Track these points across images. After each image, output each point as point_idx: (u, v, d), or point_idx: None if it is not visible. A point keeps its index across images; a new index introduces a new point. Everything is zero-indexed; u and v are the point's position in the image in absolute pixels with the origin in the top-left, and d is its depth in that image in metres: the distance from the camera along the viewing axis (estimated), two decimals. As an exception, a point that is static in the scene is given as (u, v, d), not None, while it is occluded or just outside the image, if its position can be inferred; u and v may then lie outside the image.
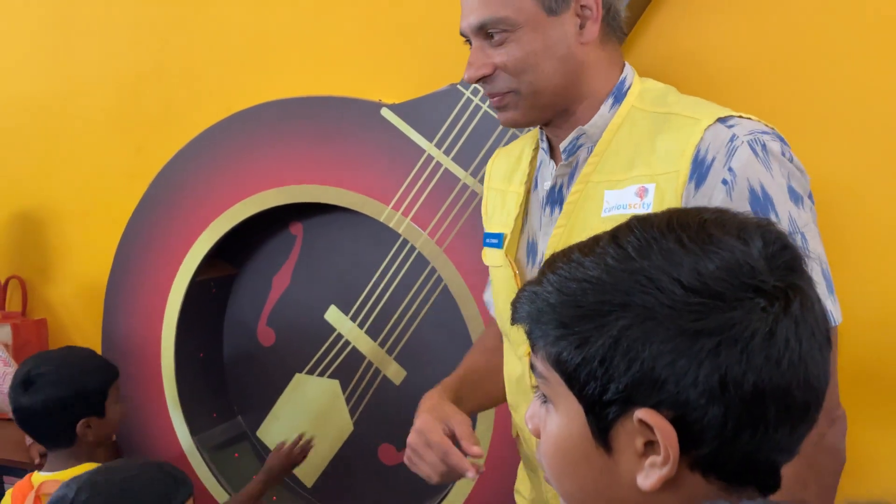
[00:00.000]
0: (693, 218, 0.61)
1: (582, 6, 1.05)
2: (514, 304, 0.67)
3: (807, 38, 1.51)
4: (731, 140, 0.99)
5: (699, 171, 1.00)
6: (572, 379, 0.61)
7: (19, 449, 2.07)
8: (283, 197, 1.82)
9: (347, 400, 1.94)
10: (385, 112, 1.70)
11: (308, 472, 2.00)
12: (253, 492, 1.78)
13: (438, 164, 1.65)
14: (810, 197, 1.02)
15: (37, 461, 1.99)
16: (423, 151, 1.66)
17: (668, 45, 1.60)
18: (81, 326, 2.48)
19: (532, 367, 0.66)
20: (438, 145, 1.65)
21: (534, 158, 1.21)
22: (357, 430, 1.94)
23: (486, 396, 1.30)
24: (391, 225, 1.71)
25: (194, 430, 1.97)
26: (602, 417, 0.60)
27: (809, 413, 0.60)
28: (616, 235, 0.62)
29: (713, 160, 0.99)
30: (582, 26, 1.06)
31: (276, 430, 2.03)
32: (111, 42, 2.32)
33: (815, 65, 1.51)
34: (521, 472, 1.34)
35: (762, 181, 0.97)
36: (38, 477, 1.58)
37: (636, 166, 1.05)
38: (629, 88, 1.10)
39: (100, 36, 2.34)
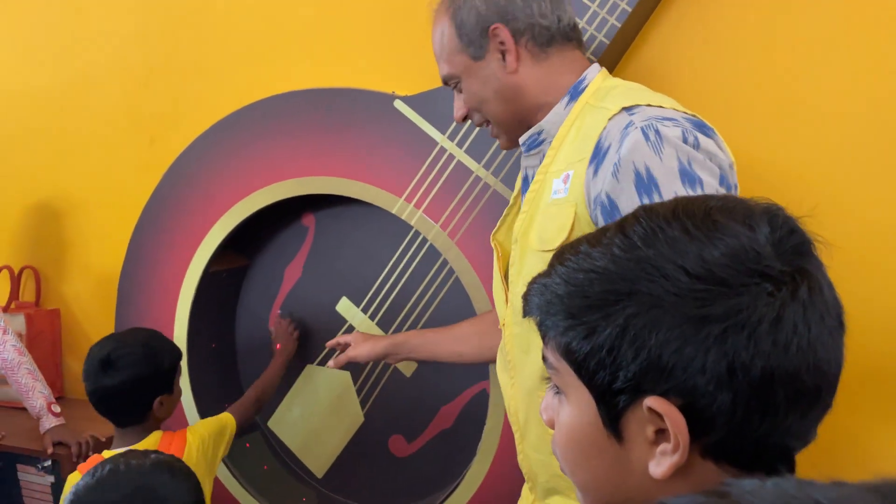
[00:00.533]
0: (699, 206, 0.61)
1: (499, 42, 1.19)
2: (525, 297, 0.67)
3: (782, 56, 1.57)
4: (627, 127, 1.04)
5: (597, 157, 1.07)
6: (582, 369, 0.62)
7: (32, 437, 2.09)
8: (296, 188, 1.83)
9: (358, 391, 1.95)
10: (398, 104, 1.70)
11: (319, 463, 2.01)
12: (277, 373, 1.92)
13: (451, 157, 1.65)
14: (723, 182, 1.03)
15: (50, 450, 2.01)
16: (436, 143, 1.66)
17: (660, 66, 1.65)
18: (94, 317, 2.50)
19: (544, 358, 0.67)
20: (451, 137, 1.65)
21: None
22: (368, 422, 1.95)
23: (450, 354, 1.61)
24: (403, 217, 1.71)
25: (206, 421, 1.98)
26: (612, 406, 0.60)
27: (821, 398, 0.59)
28: (623, 225, 0.62)
29: (609, 146, 1.06)
30: (504, 59, 1.20)
31: (288, 421, 2.04)
32: (123, 34, 2.33)
33: (788, 82, 1.57)
34: None
35: (648, 164, 1.01)
36: (111, 453, 1.61)
37: (572, 157, 1.14)
38: (586, 87, 1.19)
39: (111, 28, 2.35)
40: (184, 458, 1.62)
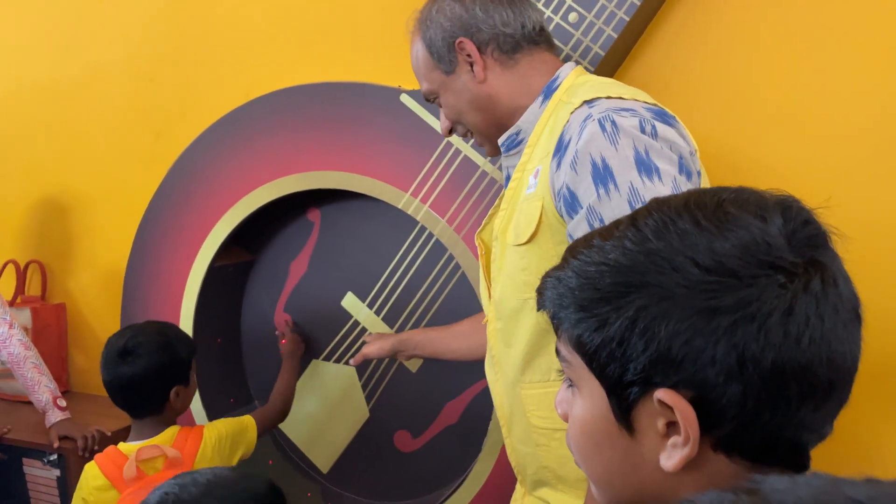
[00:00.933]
0: (711, 198, 0.61)
1: (466, 55, 1.24)
2: (539, 290, 0.67)
3: (786, 57, 1.58)
4: (585, 119, 1.07)
5: (560, 151, 1.10)
6: (593, 361, 0.62)
7: (38, 431, 2.09)
8: (301, 183, 1.82)
9: (364, 386, 1.94)
10: (404, 98, 1.70)
11: (324, 458, 2.01)
12: (293, 378, 1.93)
13: (458, 151, 1.65)
14: (683, 170, 1.05)
15: (56, 444, 2.01)
16: (443, 138, 1.66)
17: (665, 66, 1.65)
18: (100, 311, 2.50)
19: (557, 351, 0.67)
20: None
21: None
22: (373, 417, 1.95)
23: (446, 351, 1.69)
24: (409, 212, 1.70)
25: (212, 415, 1.98)
26: (623, 399, 0.60)
27: (835, 391, 0.58)
28: (635, 218, 0.62)
29: (570, 140, 1.09)
30: (473, 71, 1.24)
31: (293, 415, 2.03)
32: (130, 28, 2.33)
33: (792, 83, 1.58)
34: None
35: (604, 154, 1.03)
36: (127, 446, 1.62)
37: (543, 153, 1.16)
38: (559, 85, 1.22)
39: (118, 21, 2.35)
40: (198, 454, 1.61)
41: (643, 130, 1.04)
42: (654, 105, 1.11)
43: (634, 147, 1.03)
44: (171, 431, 1.64)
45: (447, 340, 1.68)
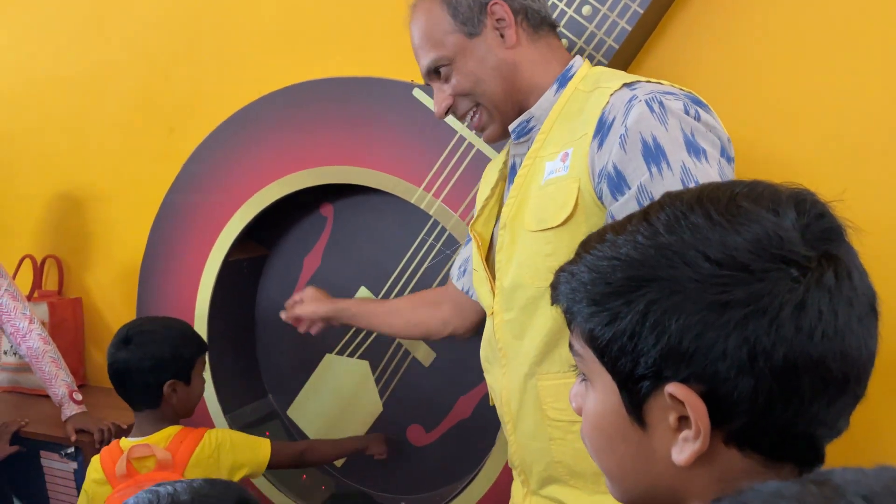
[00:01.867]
0: (724, 191, 0.61)
1: (497, 19, 1.21)
2: (553, 285, 0.67)
3: (797, 54, 1.56)
4: (630, 100, 1.07)
5: (602, 130, 1.09)
6: (605, 355, 0.62)
7: (55, 424, 2.11)
8: (314, 178, 1.83)
9: (377, 381, 1.95)
10: (417, 92, 1.70)
11: (337, 452, 2.02)
12: (335, 449, 1.89)
13: (470, 146, 1.64)
14: (724, 154, 1.07)
15: (73, 438, 2.03)
16: (455, 132, 1.66)
17: (676, 62, 1.64)
18: (116, 306, 2.52)
19: (570, 345, 0.67)
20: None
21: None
22: (386, 411, 1.95)
23: (382, 325, 1.66)
24: (422, 206, 1.70)
25: (226, 409, 2.00)
26: (635, 393, 0.60)
27: (849, 386, 0.58)
28: (647, 213, 0.62)
29: (613, 120, 1.08)
30: (502, 35, 1.22)
31: (306, 409, 2.05)
32: (143, 23, 2.34)
33: (803, 80, 1.56)
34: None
35: (655, 134, 1.03)
36: (126, 442, 1.63)
37: (567, 138, 1.16)
38: (574, 74, 1.22)
39: (132, 17, 2.36)
40: (192, 458, 1.60)
41: (688, 113, 1.05)
42: (689, 92, 1.12)
43: (681, 128, 1.04)
44: (169, 431, 1.63)
45: (384, 316, 1.64)
